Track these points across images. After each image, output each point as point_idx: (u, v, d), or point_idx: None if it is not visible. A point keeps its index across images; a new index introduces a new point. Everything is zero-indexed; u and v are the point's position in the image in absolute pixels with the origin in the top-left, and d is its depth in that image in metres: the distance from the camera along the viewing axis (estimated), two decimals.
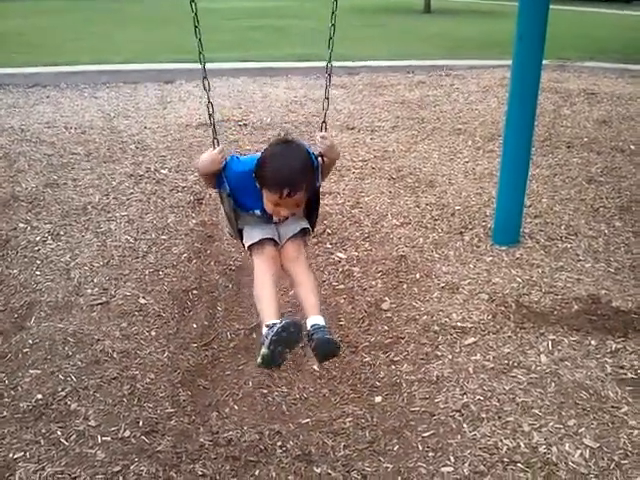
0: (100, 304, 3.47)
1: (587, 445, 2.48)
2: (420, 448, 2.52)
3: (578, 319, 3.31)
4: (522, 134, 3.92)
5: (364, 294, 3.62)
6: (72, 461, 2.44)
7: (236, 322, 3.39)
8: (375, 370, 3.00)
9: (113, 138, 5.88)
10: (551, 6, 3.72)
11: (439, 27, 14.92)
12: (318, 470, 2.44)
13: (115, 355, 3.06)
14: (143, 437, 2.58)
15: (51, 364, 2.97)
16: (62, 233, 4.16)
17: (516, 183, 4.04)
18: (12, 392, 2.80)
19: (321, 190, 2.71)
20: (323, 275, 3.80)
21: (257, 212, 2.62)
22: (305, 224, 2.72)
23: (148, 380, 2.91)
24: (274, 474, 2.42)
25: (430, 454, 2.49)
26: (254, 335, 3.27)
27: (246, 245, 2.66)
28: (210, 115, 2.60)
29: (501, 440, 2.52)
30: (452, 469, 2.41)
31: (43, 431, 2.58)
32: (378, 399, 2.81)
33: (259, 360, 2.25)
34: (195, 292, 3.63)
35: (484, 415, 2.66)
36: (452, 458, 2.46)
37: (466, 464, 2.42)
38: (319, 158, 2.57)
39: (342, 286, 3.70)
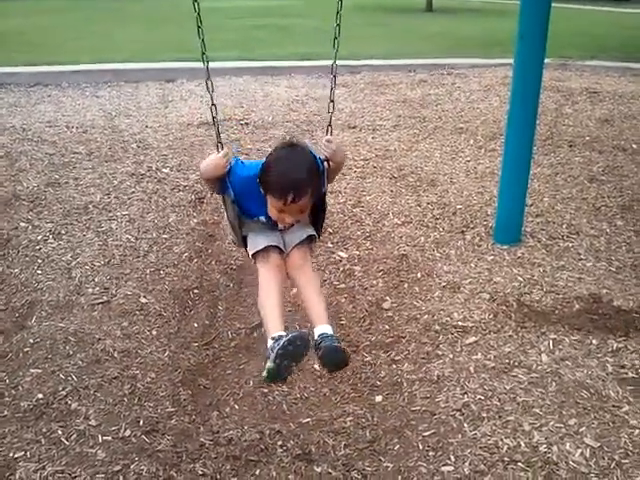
0: (101, 303, 3.47)
1: (588, 444, 2.48)
2: (420, 447, 2.52)
3: (579, 318, 3.31)
4: (524, 133, 3.91)
5: (365, 293, 3.62)
6: (72, 460, 2.44)
7: (237, 321, 3.40)
8: (376, 369, 3.00)
9: (114, 137, 5.88)
10: (553, 4, 3.71)
11: (441, 26, 14.90)
12: (318, 469, 2.44)
13: (116, 354, 3.06)
14: (143, 436, 2.58)
15: (52, 363, 2.97)
16: (63, 232, 4.16)
17: (518, 182, 4.03)
18: (13, 391, 2.81)
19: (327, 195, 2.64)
20: (324, 274, 3.79)
21: (262, 219, 2.55)
22: (311, 231, 2.63)
23: (149, 379, 2.91)
24: (274, 473, 2.42)
25: (430, 453, 2.49)
26: (255, 334, 3.27)
27: (250, 253, 2.58)
28: (214, 118, 2.53)
29: (502, 439, 2.52)
30: (452, 468, 2.41)
31: (44, 430, 2.58)
32: (379, 398, 2.81)
33: (264, 374, 2.17)
34: (196, 291, 3.63)
35: (485, 414, 2.66)
36: (452, 457, 2.46)
37: (466, 463, 2.42)
38: (325, 163, 2.50)
39: (343, 285, 3.70)
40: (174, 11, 15.94)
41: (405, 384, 2.89)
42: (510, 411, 2.67)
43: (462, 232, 4.27)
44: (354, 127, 6.34)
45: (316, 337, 2.31)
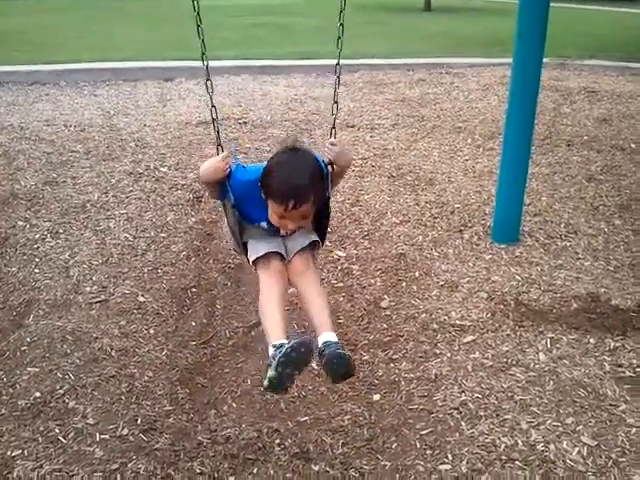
0: (99, 302, 3.47)
1: (585, 443, 2.48)
2: (418, 446, 2.52)
3: (577, 317, 3.31)
4: (522, 132, 3.91)
5: (363, 292, 3.62)
6: (70, 459, 2.44)
7: (235, 320, 3.39)
8: (374, 368, 3.00)
9: (112, 136, 5.87)
10: (551, 4, 3.71)
11: (439, 25, 14.90)
12: (316, 468, 2.44)
13: (113, 353, 3.06)
14: (141, 435, 2.58)
15: (49, 362, 2.97)
16: (61, 231, 4.16)
17: (516, 181, 4.03)
18: (10, 390, 2.81)
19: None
20: (322, 273, 3.79)
21: (263, 224, 2.46)
22: (314, 237, 2.54)
23: (146, 378, 2.91)
24: (272, 472, 2.42)
25: (428, 452, 2.49)
26: (253, 333, 3.27)
27: (251, 259, 2.48)
28: (213, 119, 2.45)
29: (499, 438, 2.52)
30: (450, 467, 2.41)
31: (41, 429, 2.58)
32: (376, 397, 2.81)
33: (266, 383, 2.07)
34: (194, 290, 3.63)
35: (482, 413, 2.66)
36: (450, 456, 2.46)
37: (464, 462, 2.42)
38: (328, 166, 2.41)
39: (341, 284, 3.70)
40: (174, 10, 15.91)
41: (403, 383, 2.89)
42: (507, 410, 2.67)
43: (460, 231, 4.27)
44: (352, 126, 6.34)
45: (320, 345, 2.21)
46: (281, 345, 2.10)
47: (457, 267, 3.83)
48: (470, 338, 3.17)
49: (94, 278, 3.68)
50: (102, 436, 2.56)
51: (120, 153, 5.46)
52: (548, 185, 5.03)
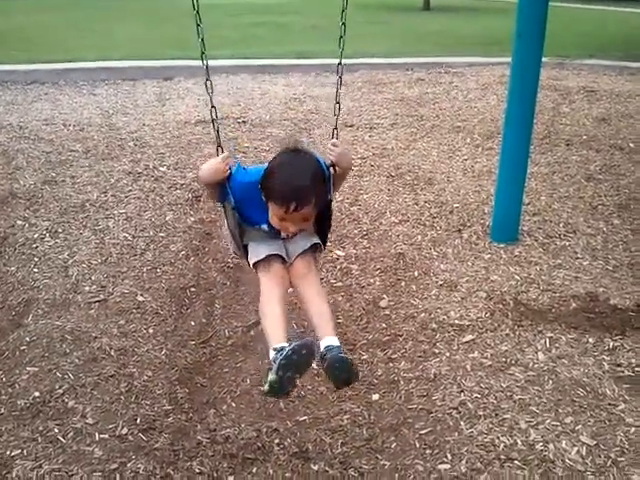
0: (98, 302, 3.47)
1: (584, 442, 2.48)
2: (417, 445, 2.53)
3: (576, 317, 3.31)
4: (521, 132, 3.92)
5: (362, 292, 3.62)
6: (69, 458, 2.44)
7: (234, 320, 3.39)
8: (373, 368, 3.00)
9: (111, 135, 5.87)
10: (551, 3, 3.71)
11: (438, 24, 14.91)
12: (315, 467, 2.44)
13: (113, 353, 3.05)
14: (140, 434, 2.58)
15: (48, 362, 2.97)
16: (60, 230, 4.16)
17: (515, 181, 4.04)
18: (9, 390, 2.80)
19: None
20: (321, 273, 3.79)
21: (264, 227, 2.41)
22: (316, 240, 2.48)
23: (145, 378, 2.91)
24: (271, 471, 2.42)
25: (427, 451, 2.49)
26: (252, 332, 3.27)
27: (251, 262, 2.42)
28: (213, 120, 2.38)
29: (498, 437, 2.53)
30: (449, 466, 2.41)
31: (40, 429, 2.58)
32: (375, 397, 2.82)
33: (266, 387, 2.02)
34: (193, 290, 3.63)
35: (481, 412, 2.67)
36: (449, 455, 2.46)
37: (463, 461, 2.42)
38: (330, 168, 2.36)
39: (340, 284, 3.70)
40: (173, 9, 15.91)
41: (402, 382, 2.89)
42: (506, 409, 2.68)
43: (459, 231, 4.27)
44: (351, 125, 6.34)
45: (322, 349, 2.16)
46: (282, 348, 2.05)
47: (456, 267, 3.84)
48: (469, 337, 3.17)
49: (93, 277, 3.68)
50: (101, 436, 2.56)
51: (119, 152, 5.46)
52: (547, 185, 5.03)
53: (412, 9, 18.89)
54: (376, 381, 2.92)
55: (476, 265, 3.85)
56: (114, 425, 2.62)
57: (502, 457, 2.43)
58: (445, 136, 6.12)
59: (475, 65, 9.20)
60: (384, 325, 3.32)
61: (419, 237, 4.19)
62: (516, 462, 2.41)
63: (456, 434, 2.56)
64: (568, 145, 5.88)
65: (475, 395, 2.77)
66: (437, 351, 3.09)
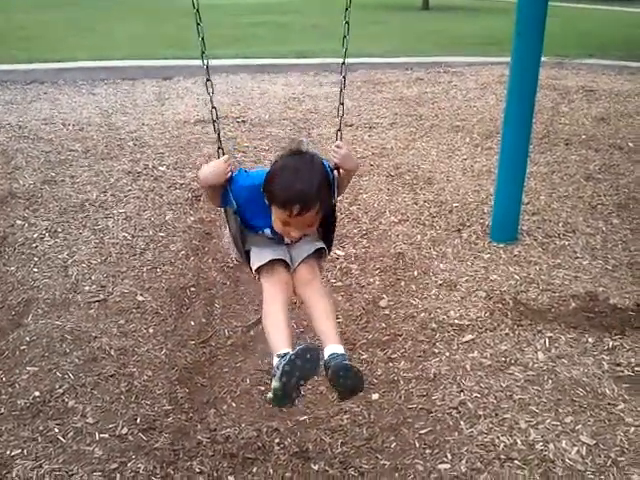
0: (98, 301, 3.47)
1: (584, 442, 2.49)
2: (417, 445, 2.53)
3: (575, 316, 3.32)
4: (520, 131, 3.92)
5: (362, 291, 3.62)
6: (69, 458, 2.44)
7: (234, 319, 3.39)
8: (372, 367, 3.01)
9: (111, 135, 5.87)
10: (550, 3, 3.72)
11: (437, 24, 14.91)
12: (315, 467, 2.44)
13: (113, 352, 3.05)
14: (140, 434, 2.58)
15: (48, 361, 2.97)
16: (60, 230, 4.16)
17: (514, 180, 4.04)
18: (9, 389, 2.80)
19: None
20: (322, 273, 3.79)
21: (267, 232, 2.34)
22: (320, 244, 2.41)
23: (146, 377, 2.91)
24: (271, 471, 2.42)
25: (427, 451, 2.50)
26: (252, 332, 3.27)
27: (253, 267, 2.33)
28: (214, 121, 2.32)
29: (498, 437, 2.53)
30: (449, 466, 2.41)
31: (40, 428, 2.58)
32: (375, 396, 2.82)
33: (269, 396, 1.93)
34: (193, 289, 3.63)
35: (481, 412, 2.67)
36: (449, 455, 2.46)
37: (463, 461, 2.43)
38: (334, 171, 2.29)
39: (340, 283, 3.71)
40: (173, 8, 15.90)
41: (402, 382, 2.89)
42: (506, 409, 2.68)
43: (458, 230, 4.27)
44: (351, 125, 6.34)
45: (326, 357, 2.07)
46: (286, 354, 1.98)
47: (456, 266, 3.84)
48: (469, 337, 3.17)
49: (93, 277, 3.68)
50: (101, 435, 2.56)
51: (118, 152, 5.46)
52: (546, 184, 5.03)
53: (411, 9, 18.89)
54: (376, 381, 2.92)
55: (475, 265, 3.85)
56: (114, 425, 2.62)
57: (502, 457, 2.43)
58: (444, 136, 6.13)
59: (474, 65, 9.21)
60: (384, 325, 3.32)
61: (419, 237, 4.19)
62: (516, 462, 2.41)
63: (456, 434, 2.57)
64: (567, 145, 5.89)
65: (475, 395, 2.77)
66: (437, 351, 3.09)
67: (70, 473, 2.37)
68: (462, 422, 2.62)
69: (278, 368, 1.93)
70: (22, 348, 3.07)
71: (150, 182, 4.89)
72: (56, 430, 2.57)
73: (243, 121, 6.38)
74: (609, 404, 2.69)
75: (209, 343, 3.20)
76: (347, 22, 2.37)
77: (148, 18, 15.02)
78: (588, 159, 5.54)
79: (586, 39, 12.05)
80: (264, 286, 2.29)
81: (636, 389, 2.78)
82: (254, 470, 2.42)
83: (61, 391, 2.78)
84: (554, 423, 2.59)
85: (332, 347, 2.10)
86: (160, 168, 5.16)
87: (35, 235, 4.08)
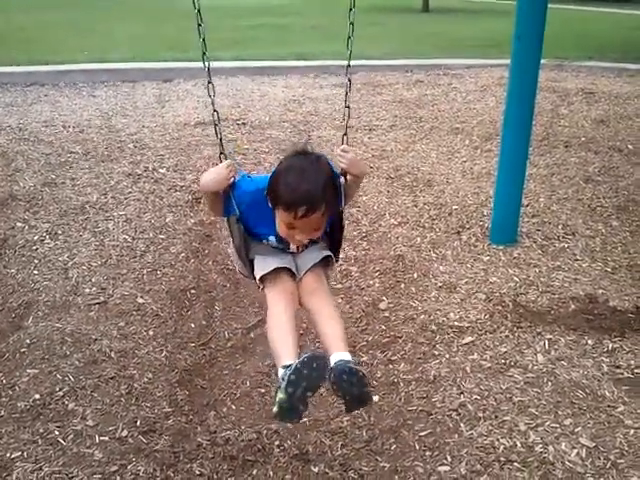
0: (98, 304, 3.47)
1: (583, 444, 2.49)
2: (417, 447, 2.53)
3: (575, 318, 3.32)
4: (520, 133, 3.93)
5: (362, 293, 3.63)
6: (69, 461, 2.44)
7: (234, 321, 3.40)
8: (372, 369, 3.01)
9: (111, 137, 5.87)
10: (549, 5, 3.72)
11: (437, 26, 14.93)
12: (315, 469, 2.45)
13: (113, 355, 3.06)
14: (141, 437, 2.58)
15: (49, 364, 2.97)
16: (60, 232, 4.16)
17: (514, 182, 4.04)
18: (10, 392, 2.81)
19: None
20: None
21: (271, 239, 2.25)
22: (327, 252, 2.30)
23: (146, 380, 2.91)
24: (272, 473, 2.42)
25: (427, 453, 2.50)
26: (252, 335, 3.28)
27: (257, 276, 2.22)
28: (215, 125, 2.25)
29: (498, 439, 2.53)
30: (449, 468, 2.42)
31: (41, 431, 2.58)
32: (375, 398, 2.81)
33: (275, 409, 1.83)
34: (193, 291, 3.64)
35: (481, 414, 2.67)
36: (449, 457, 2.47)
37: (463, 463, 2.43)
38: (341, 177, 2.19)
39: (340, 286, 3.71)
40: (173, 10, 15.92)
41: (401, 384, 2.90)
42: (506, 411, 2.68)
43: (458, 232, 4.28)
44: (350, 127, 6.34)
45: (332, 364, 1.93)
46: (290, 365, 1.86)
47: (455, 268, 3.84)
48: (468, 339, 3.18)
49: (93, 279, 3.69)
50: (101, 438, 2.57)
51: (119, 154, 5.46)
52: (546, 186, 5.04)
53: (411, 11, 18.91)
54: (376, 383, 2.92)
55: (475, 267, 3.85)
56: (114, 427, 2.62)
57: (502, 459, 2.44)
58: (444, 138, 6.14)
59: (474, 67, 9.21)
60: (384, 327, 3.32)
61: (418, 239, 4.20)
62: (516, 464, 2.41)
63: (456, 436, 2.57)
64: (567, 147, 5.89)
65: (475, 397, 2.77)
66: (437, 353, 3.09)
67: (70, 476, 2.38)
68: (462, 424, 2.63)
69: (283, 379, 1.83)
70: (22, 350, 3.08)
71: (150, 184, 4.90)
72: (56, 433, 2.57)
73: (243, 123, 6.39)
74: (609, 406, 2.69)
75: (209, 345, 3.21)
76: (352, 23, 2.29)
77: (148, 20, 15.04)
78: (587, 161, 5.55)
79: (585, 41, 12.06)
80: (268, 296, 2.19)
81: (636, 391, 2.78)
82: (254, 472, 2.43)
83: (61, 393, 2.79)
84: (554, 425, 2.59)
85: (338, 354, 1.98)
86: (160, 170, 5.16)
87: (35, 237, 4.09)
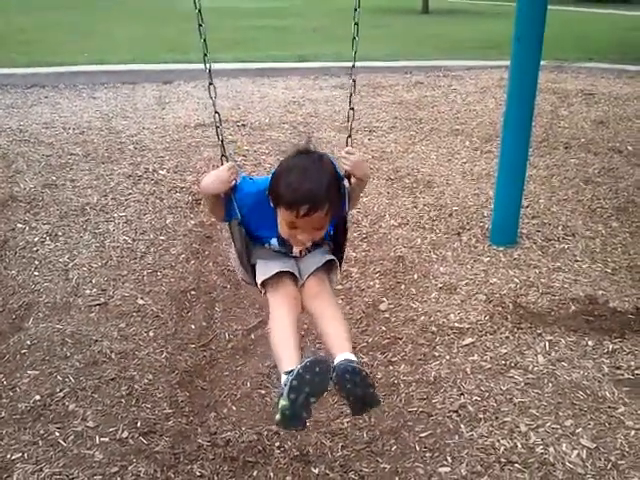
0: (98, 305, 3.47)
1: (584, 445, 2.49)
2: (417, 448, 2.53)
3: (575, 320, 3.32)
4: (520, 135, 3.93)
5: (362, 295, 3.63)
6: (70, 462, 2.44)
7: (234, 323, 3.40)
8: (373, 371, 3.01)
9: (111, 139, 5.87)
10: (549, 7, 3.72)
11: (437, 28, 14.94)
12: (316, 470, 2.45)
13: (113, 356, 3.06)
14: (141, 438, 2.58)
15: (49, 365, 2.97)
16: (60, 234, 4.16)
17: (514, 184, 4.05)
18: (10, 393, 2.81)
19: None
20: None
21: (274, 243, 2.22)
22: (330, 257, 2.26)
23: (146, 381, 2.91)
24: (272, 474, 2.43)
25: (427, 454, 2.50)
26: (252, 336, 3.28)
27: (259, 281, 2.17)
28: (217, 127, 2.22)
29: (498, 440, 2.53)
30: (449, 469, 2.42)
31: (41, 432, 2.58)
32: None
33: (278, 417, 1.78)
34: (193, 293, 3.64)
35: (481, 415, 2.67)
36: (449, 458, 2.47)
37: (463, 464, 2.43)
38: (345, 180, 2.15)
39: (340, 287, 3.71)
40: (173, 12, 15.93)
41: (402, 385, 2.90)
42: (507, 412, 2.68)
43: (458, 234, 4.28)
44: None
45: (335, 364, 1.89)
46: (292, 371, 1.81)
47: (455, 269, 3.84)
48: (469, 340, 3.18)
49: (93, 281, 3.69)
50: (102, 439, 2.57)
51: (119, 156, 5.46)
52: (546, 187, 5.04)
53: (411, 12, 18.93)
54: (376, 384, 2.90)
55: (475, 268, 3.85)
56: (115, 428, 2.62)
57: (502, 460, 2.44)
58: (444, 139, 6.14)
59: (474, 68, 9.22)
60: (384, 328, 3.32)
61: (418, 240, 4.20)
62: (516, 465, 2.41)
63: (456, 437, 2.57)
64: (567, 148, 5.90)
65: (475, 398, 2.77)
66: (437, 354, 3.09)
67: (71, 477, 2.38)
68: (462, 425, 2.63)
69: (286, 385, 1.79)
70: (23, 352, 3.08)
71: (150, 186, 4.90)
72: (57, 434, 2.58)
73: (243, 125, 6.39)
74: (609, 407, 2.69)
75: (209, 346, 3.21)
76: (356, 23, 2.25)
77: (148, 21, 15.05)
78: (587, 162, 5.55)
79: (585, 43, 12.07)
80: (270, 301, 2.14)
81: (636, 392, 2.78)
82: (254, 474, 2.43)
83: (62, 395, 2.79)
84: (554, 426, 2.59)
85: (343, 355, 1.92)
86: (160, 172, 5.16)
87: (36, 239, 4.09)
